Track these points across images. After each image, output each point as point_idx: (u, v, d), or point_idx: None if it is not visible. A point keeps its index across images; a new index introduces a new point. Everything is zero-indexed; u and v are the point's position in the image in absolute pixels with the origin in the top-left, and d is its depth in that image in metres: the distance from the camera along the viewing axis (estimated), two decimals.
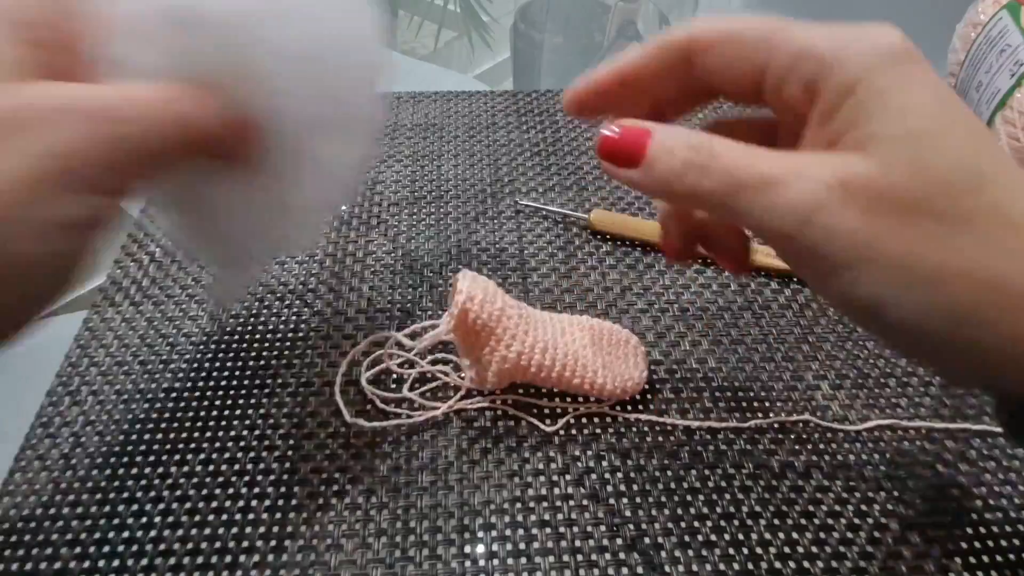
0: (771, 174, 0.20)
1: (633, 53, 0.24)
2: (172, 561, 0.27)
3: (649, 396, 0.33)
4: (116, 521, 0.29)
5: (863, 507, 0.29)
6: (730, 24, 0.22)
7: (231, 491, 0.30)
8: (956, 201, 0.19)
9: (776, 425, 0.32)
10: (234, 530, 0.28)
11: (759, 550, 0.28)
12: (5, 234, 0.19)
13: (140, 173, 0.23)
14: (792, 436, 0.32)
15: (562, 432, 0.32)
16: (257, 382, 0.34)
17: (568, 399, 0.33)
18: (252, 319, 0.37)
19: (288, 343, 0.36)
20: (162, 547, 0.28)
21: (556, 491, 0.30)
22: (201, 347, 0.36)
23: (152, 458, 0.31)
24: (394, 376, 0.34)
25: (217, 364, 0.35)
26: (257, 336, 0.36)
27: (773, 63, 0.21)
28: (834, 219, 0.19)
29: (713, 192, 0.20)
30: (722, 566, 0.27)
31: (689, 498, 0.29)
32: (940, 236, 0.19)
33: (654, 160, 0.21)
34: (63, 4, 0.23)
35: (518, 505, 0.29)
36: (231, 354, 0.35)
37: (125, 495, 0.30)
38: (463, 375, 0.33)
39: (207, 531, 0.28)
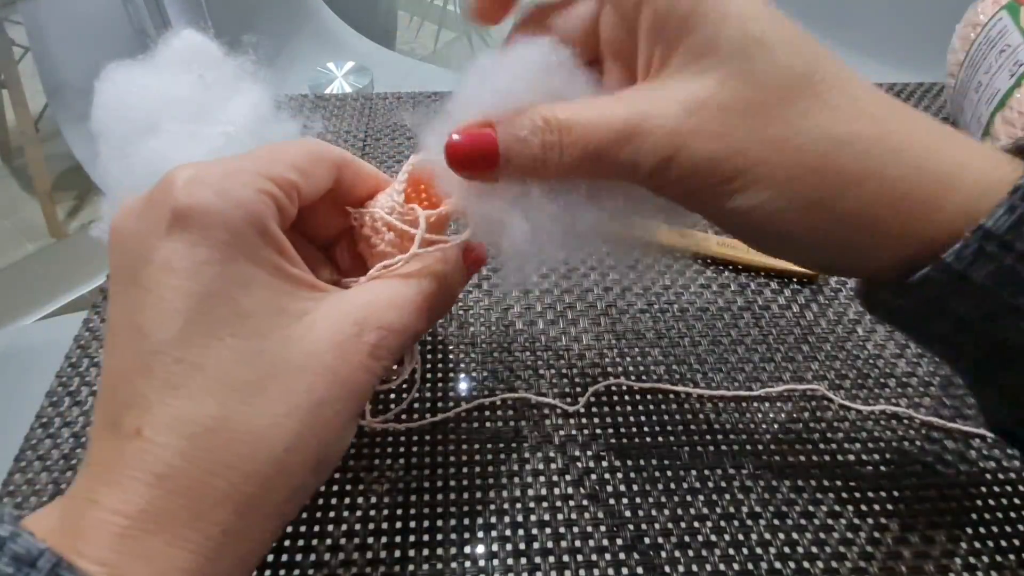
0: (624, 128, 0.20)
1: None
2: None
3: (649, 396, 0.33)
4: None
5: (863, 507, 0.29)
6: None
7: None
8: (793, 103, 0.20)
9: (776, 425, 0.32)
10: None
11: (759, 550, 0.28)
12: (328, 458, 0.22)
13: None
14: (792, 435, 0.32)
15: (561, 432, 0.32)
16: None
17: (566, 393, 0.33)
18: None
19: None
20: None
21: (556, 491, 0.30)
22: None
23: None
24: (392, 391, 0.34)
25: None
26: None
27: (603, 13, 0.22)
28: (694, 151, 0.20)
29: (578, 164, 0.21)
30: (722, 567, 0.27)
31: (689, 498, 0.29)
32: (786, 137, 0.20)
33: (510, 155, 0.21)
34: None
35: (518, 506, 0.29)
36: None
37: None
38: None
39: None
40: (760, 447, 0.31)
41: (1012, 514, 0.29)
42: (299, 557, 0.28)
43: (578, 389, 0.34)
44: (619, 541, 0.28)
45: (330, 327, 0.21)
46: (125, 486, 0.18)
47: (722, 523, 0.29)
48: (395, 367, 0.31)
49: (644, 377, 0.34)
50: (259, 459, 0.19)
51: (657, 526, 0.29)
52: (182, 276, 0.19)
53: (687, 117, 0.20)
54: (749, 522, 0.29)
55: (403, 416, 0.32)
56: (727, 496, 0.30)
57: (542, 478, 0.30)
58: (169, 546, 0.18)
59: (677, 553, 0.28)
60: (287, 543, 0.28)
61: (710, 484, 0.30)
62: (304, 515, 0.29)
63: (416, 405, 0.33)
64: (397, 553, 0.28)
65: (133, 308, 0.20)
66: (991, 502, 0.29)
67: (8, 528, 0.17)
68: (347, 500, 0.29)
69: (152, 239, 0.20)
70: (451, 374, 0.34)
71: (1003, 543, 0.28)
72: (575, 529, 0.28)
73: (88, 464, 0.19)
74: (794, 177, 0.20)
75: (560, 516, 0.29)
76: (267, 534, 0.20)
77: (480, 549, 0.28)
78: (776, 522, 0.29)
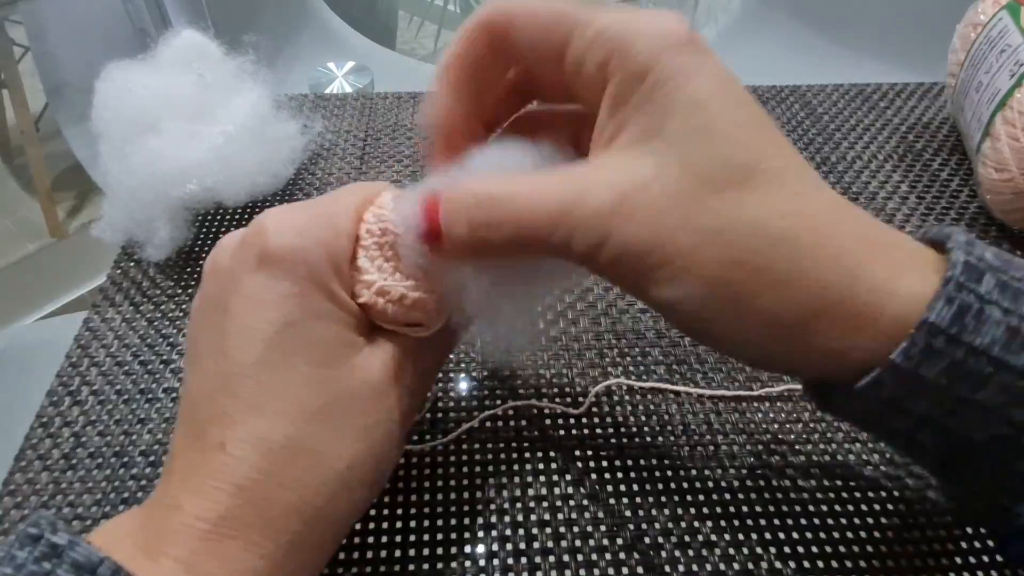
0: (557, 210, 0.20)
1: (451, 48, 0.23)
2: None
3: (650, 396, 0.33)
4: None
5: (863, 507, 0.29)
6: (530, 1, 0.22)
7: None
8: (728, 195, 0.19)
9: (776, 425, 0.32)
10: None
11: (759, 550, 0.28)
12: (382, 474, 0.23)
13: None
14: (792, 435, 0.32)
15: (561, 431, 0.32)
16: None
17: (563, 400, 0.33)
18: None
19: None
20: None
21: (556, 491, 0.30)
22: None
23: (152, 458, 0.31)
24: None
25: None
26: None
27: (572, 42, 0.21)
28: (623, 237, 0.20)
29: (511, 241, 0.21)
30: (722, 566, 0.27)
31: (689, 498, 0.29)
32: (717, 229, 0.19)
33: (449, 232, 0.21)
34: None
35: (518, 505, 0.29)
36: None
37: (125, 495, 0.30)
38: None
39: None
40: (760, 447, 0.31)
41: None
42: None
43: (578, 389, 0.34)
44: (619, 541, 0.28)
45: (383, 355, 0.23)
46: (207, 494, 0.20)
47: (722, 523, 0.29)
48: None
49: (644, 377, 0.34)
50: (325, 475, 0.21)
51: (657, 526, 0.29)
52: (266, 306, 0.21)
53: (620, 202, 0.20)
54: (749, 522, 0.29)
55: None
56: (727, 496, 0.30)
57: (542, 477, 0.30)
58: (244, 551, 0.19)
59: (677, 553, 0.28)
60: None
61: (710, 484, 0.30)
62: None
63: None
64: (397, 553, 0.28)
65: (220, 333, 0.22)
66: None
67: (65, 536, 0.18)
68: None
69: (242, 273, 0.22)
70: (451, 374, 0.34)
71: None
72: (575, 529, 0.28)
73: (171, 472, 0.21)
74: (720, 271, 0.19)
75: (560, 516, 0.29)
76: (329, 545, 0.22)
77: (480, 549, 0.28)
78: (776, 522, 0.29)
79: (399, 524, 0.29)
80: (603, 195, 0.20)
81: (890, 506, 0.29)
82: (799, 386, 0.34)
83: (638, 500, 0.29)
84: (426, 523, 0.29)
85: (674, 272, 0.19)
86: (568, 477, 0.30)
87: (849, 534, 0.28)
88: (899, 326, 0.19)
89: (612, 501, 0.29)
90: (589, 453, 0.31)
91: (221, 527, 0.19)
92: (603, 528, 0.29)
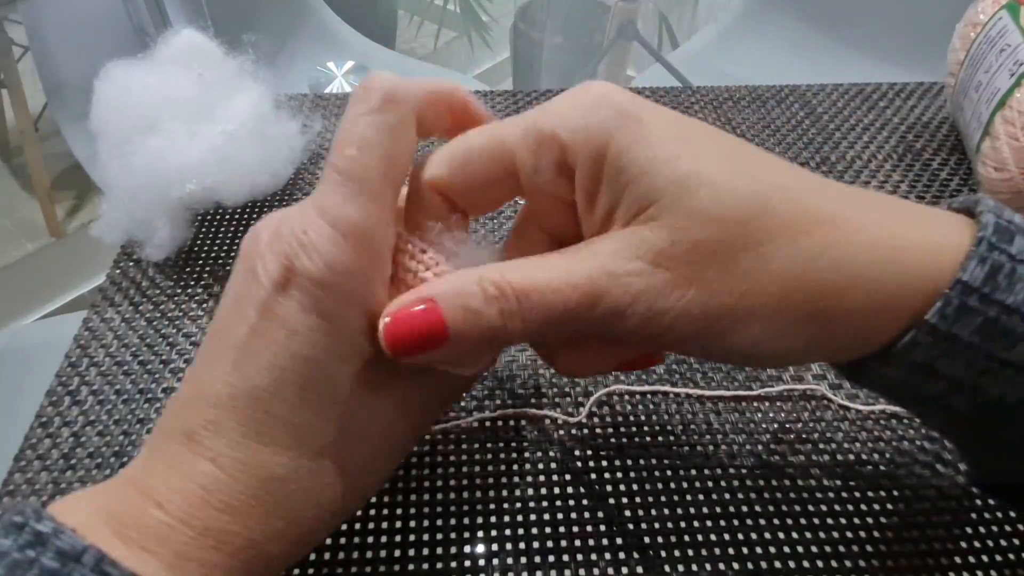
0: (591, 288, 0.19)
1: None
2: None
3: (650, 395, 0.33)
4: None
5: (863, 507, 0.29)
6: (456, 151, 0.22)
7: None
8: (753, 231, 0.19)
9: (776, 425, 0.32)
10: None
11: (759, 550, 0.28)
12: (364, 503, 0.26)
13: None
14: (792, 435, 0.32)
15: (562, 431, 0.32)
16: None
17: (562, 404, 0.33)
18: None
19: None
20: None
21: (556, 491, 0.30)
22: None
23: None
24: None
25: None
26: None
27: (520, 161, 0.21)
28: (674, 301, 0.19)
29: (542, 328, 0.20)
30: (722, 566, 0.27)
31: (689, 498, 0.29)
32: (760, 267, 0.19)
33: (463, 329, 0.20)
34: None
35: (518, 505, 0.29)
36: None
37: None
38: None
39: None
40: (760, 447, 0.31)
41: (1011, 513, 0.29)
42: None
43: (578, 389, 0.34)
44: (619, 541, 0.28)
45: (398, 394, 0.22)
46: (194, 502, 0.20)
47: (722, 523, 0.29)
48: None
49: (644, 377, 0.34)
50: (314, 507, 0.21)
51: (657, 526, 0.29)
52: (291, 336, 0.20)
53: (655, 270, 0.19)
54: (749, 522, 0.29)
55: None
56: (727, 496, 0.30)
57: (542, 477, 0.30)
58: (231, 558, 0.20)
59: (677, 553, 0.28)
60: None
61: (710, 484, 0.30)
62: None
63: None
64: (397, 553, 0.28)
65: (237, 344, 0.20)
66: (991, 501, 0.29)
67: (49, 524, 0.18)
68: None
69: (271, 288, 0.20)
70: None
71: (1003, 542, 0.28)
72: (575, 529, 0.28)
73: (153, 455, 0.21)
74: (782, 301, 0.19)
75: (560, 516, 0.29)
76: (303, 557, 0.26)
77: (480, 549, 0.28)
78: (776, 522, 0.29)
79: (399, 524, 0.29)
80: (634, 267, 0.19)
81: (890, 506, 0.29)
82: (799, 386, 0.34)
83: (638, 500, 0.29)
84: (426, 523, 0.29)
85: (737, 318, 0.19)
86: (568, 477, 0.30)
87: (849, 534, 0.28)
88: (933, 291, 0.19)
89: (612, 501, 0.29)
90: (589, 453, 0.31)
91: (207, 538, 0.19)
92: (603, 528, 0.29)
